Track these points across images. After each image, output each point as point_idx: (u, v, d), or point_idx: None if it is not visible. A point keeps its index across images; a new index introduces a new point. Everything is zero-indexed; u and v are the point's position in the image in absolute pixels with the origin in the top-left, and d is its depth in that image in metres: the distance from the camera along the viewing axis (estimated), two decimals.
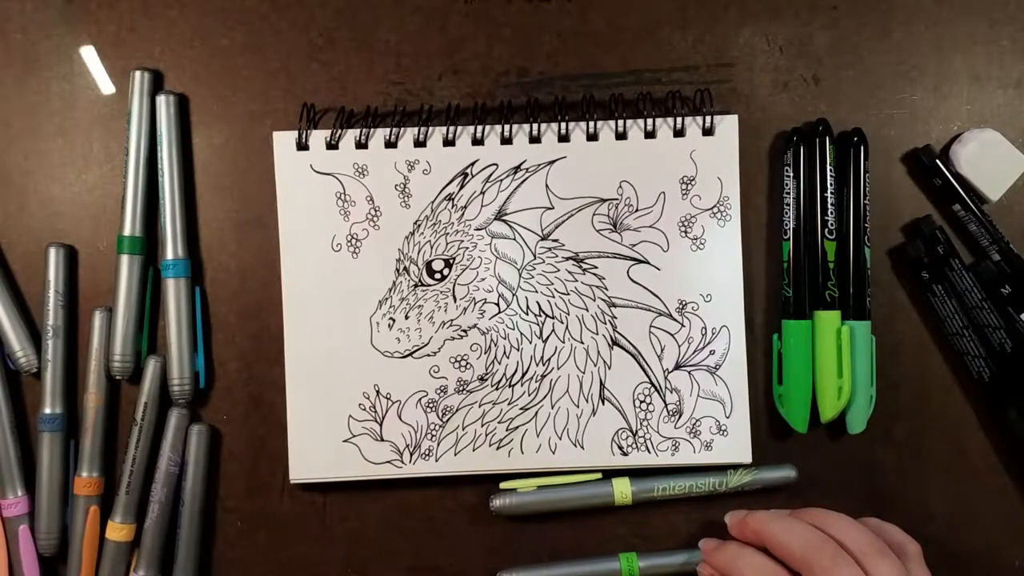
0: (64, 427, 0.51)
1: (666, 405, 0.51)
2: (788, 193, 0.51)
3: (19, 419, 0.51)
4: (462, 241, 0.51)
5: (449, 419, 0.51)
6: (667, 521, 0.52)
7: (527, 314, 0.51)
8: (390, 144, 0.51)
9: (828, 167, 0.50)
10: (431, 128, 0.51)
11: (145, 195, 0.51)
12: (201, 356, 0.51)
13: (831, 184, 0.50)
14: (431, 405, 0.51)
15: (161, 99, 0.51)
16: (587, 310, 0.51)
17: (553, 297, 0.51)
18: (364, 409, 0.51)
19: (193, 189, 0.52)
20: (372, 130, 0.51)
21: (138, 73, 0.51)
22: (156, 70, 0.51)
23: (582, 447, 0.51)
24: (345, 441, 0.50)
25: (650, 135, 0.51)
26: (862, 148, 0.50)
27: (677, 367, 0.51)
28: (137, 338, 0.51)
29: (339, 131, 0.51)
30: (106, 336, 0.51)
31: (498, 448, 0.51)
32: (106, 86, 0.52)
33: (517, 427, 0.51)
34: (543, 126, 0.51)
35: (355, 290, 0.51)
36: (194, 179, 0.52)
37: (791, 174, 0.51)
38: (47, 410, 0.50)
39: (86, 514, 0.50)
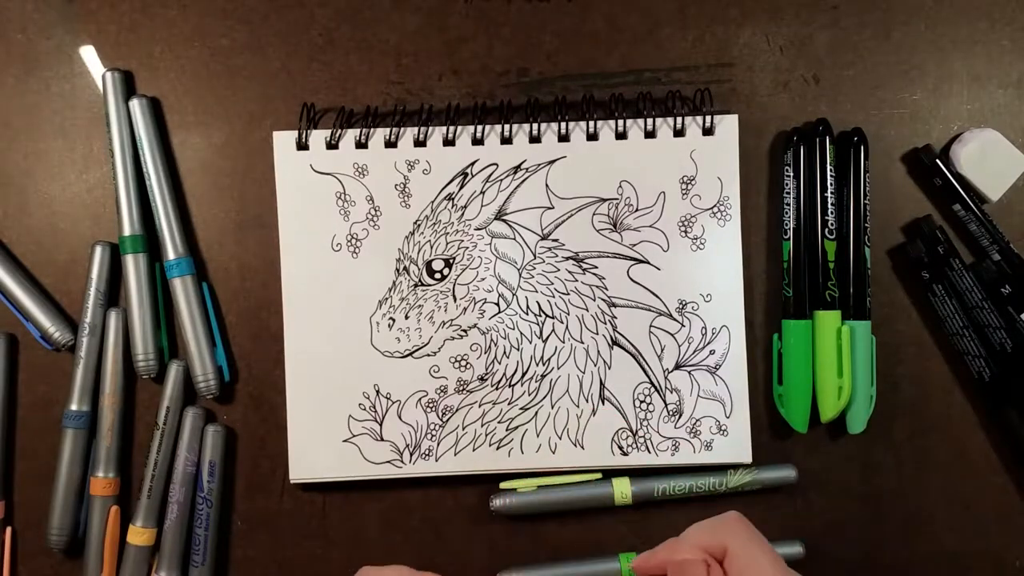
0: (88, 425, 0.51)
1: (666, 405, 0.51)
2: (788, 193, 0.51)
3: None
4: (462, 241, 0.51)
5: (449, 419, 0.51)
6: (667, 521, 0.52)
7: (527, 314, 0.51)
8: (390, 144, 0.51)
9: (828, 167, 0.50)
10: (431, 128, 0.51)
11: (138, 194, 0.51)
12: (220, 349, 0.51)
13: (831, 184, 0.50)
14: (431, 405, 0.51)
15: (135, 103, 0.51)
16: (587, 310, 0.51)
17: (553, 297, 0.51)
18: (364, 409, 0.50)
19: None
20: (372, 130, 0.51)
21: (110, 75, 0.51)
22: (127, 71, 0.51)
23: (582, 447, 0.51)
24: (345, 441, 0.50)
25: (650, 135, 0.51)
26: (862, 148, 0.50)
27: (677, 367, 0.51)
28: (156, 336, 0.51)
29: (339, 131, 0.51)
30: (123, 336, 0.51)
31: (498, 448, 0.51)
32: None
33: (517, 427, 0.51)
34: (543, 126, 0.51)
35: (355, 290, 0.50)
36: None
37: (791, 174, 0.51)
38: (73, 407, 0.50)
39: (103, 514, 0.50)
